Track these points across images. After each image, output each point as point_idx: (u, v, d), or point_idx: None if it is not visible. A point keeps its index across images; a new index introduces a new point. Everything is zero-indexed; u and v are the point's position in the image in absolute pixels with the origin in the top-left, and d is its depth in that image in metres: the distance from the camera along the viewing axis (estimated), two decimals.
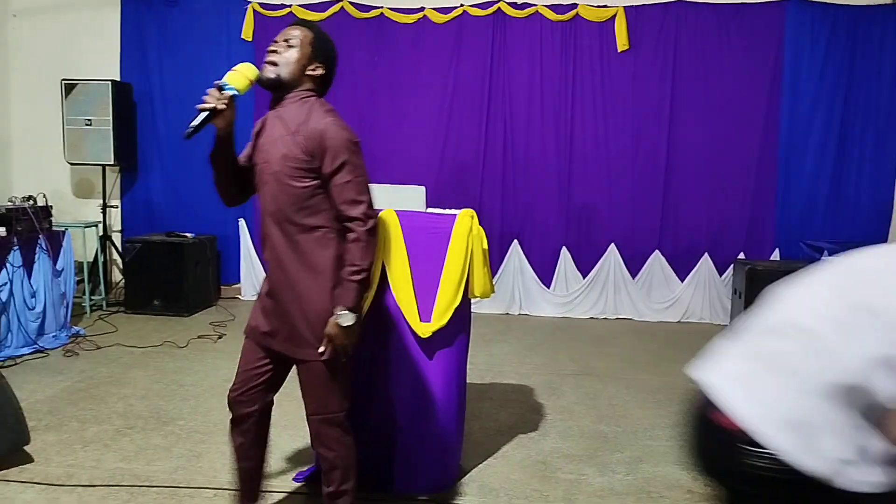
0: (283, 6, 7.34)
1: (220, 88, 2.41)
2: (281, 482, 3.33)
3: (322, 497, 2.68)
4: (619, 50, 6.99)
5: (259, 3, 7.36)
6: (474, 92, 7.21)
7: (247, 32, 7.40)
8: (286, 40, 2.46)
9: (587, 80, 7.10)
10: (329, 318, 2.41)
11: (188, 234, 7.14)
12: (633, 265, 7.19)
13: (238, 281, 7.66)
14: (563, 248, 7.21)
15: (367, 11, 7.20)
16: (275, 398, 2.82)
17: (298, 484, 3.32)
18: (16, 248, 5.22)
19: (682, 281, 7.14)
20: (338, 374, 2.54)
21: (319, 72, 2.49)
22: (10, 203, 5.45)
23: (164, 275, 6.82)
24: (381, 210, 2.86)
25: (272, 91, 2.48)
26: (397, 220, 3.09)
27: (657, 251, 7.14)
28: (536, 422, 4.22)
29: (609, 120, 7.11)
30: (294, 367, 2.64)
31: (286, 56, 2.44)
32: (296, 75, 2.45)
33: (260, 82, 2.46)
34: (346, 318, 2.39)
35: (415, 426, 3.20)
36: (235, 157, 2.61)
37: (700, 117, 7.00)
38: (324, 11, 7.26)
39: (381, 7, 7.18)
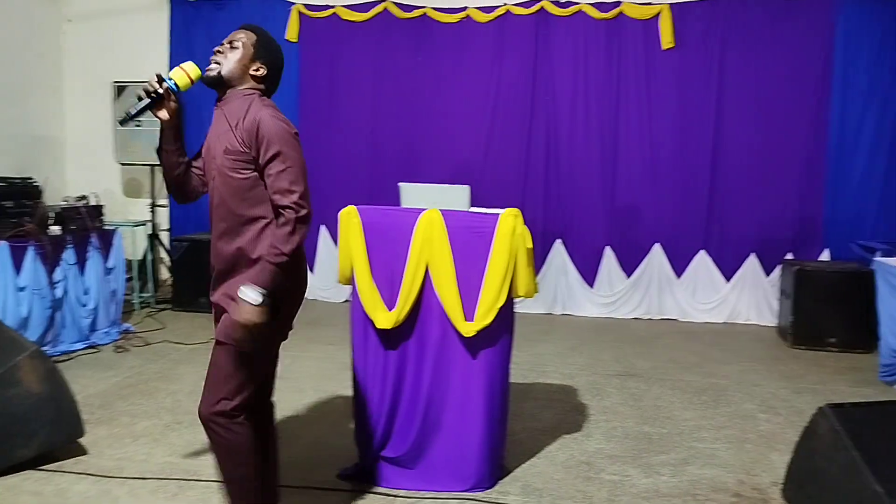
0: (326, 7, 7.40)
1: (161, 80, 2.49)
2: (325, 478, 3.36)
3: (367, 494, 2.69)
4: (664, 48, 6.90)
5: (303, 5, 7.44)
6: (517, 91, 7.19)
7: (291, 33, 7.49)
8: (230, 42, 2.57)
9: (631, 78, 7.04)
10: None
11: None
12: (678, 265, 7.10)
13: None
14: (607, 247, 7.15)
15: (410, 11, 7.23)
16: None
17: (342, 480, 3.34)
18: (70, 246, 5.36)
19: (728, 281, 7.03)
20: (241, 364, 2.52)
21: (261, 72, 2.57)
22: (64, 202, 5.60)
23: (209, 273, 6.90)
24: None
25: (215, 89, 2.57)
26: (441, 220, 3.10)
27: (703, 251, 7.04)
28: (580, 422, 4.20)
29: (653, 118, 7.04)
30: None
31: (229, 56, 2.54)
32: (237, 74, 2.54)
33: (204, 80, 2.55)
34: (249, 294, 2.33)
35: (458, 425, 3.21)
36: (183, 152, 2.67)
37: (747, 115, 6.88)
38: (367, 12, 7.31)
39: (425, 7, 7.20)
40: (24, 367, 3.30)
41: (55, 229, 5.30)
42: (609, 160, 7.12)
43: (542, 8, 7.04)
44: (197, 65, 2.56)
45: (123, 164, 7.51)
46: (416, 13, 7.22)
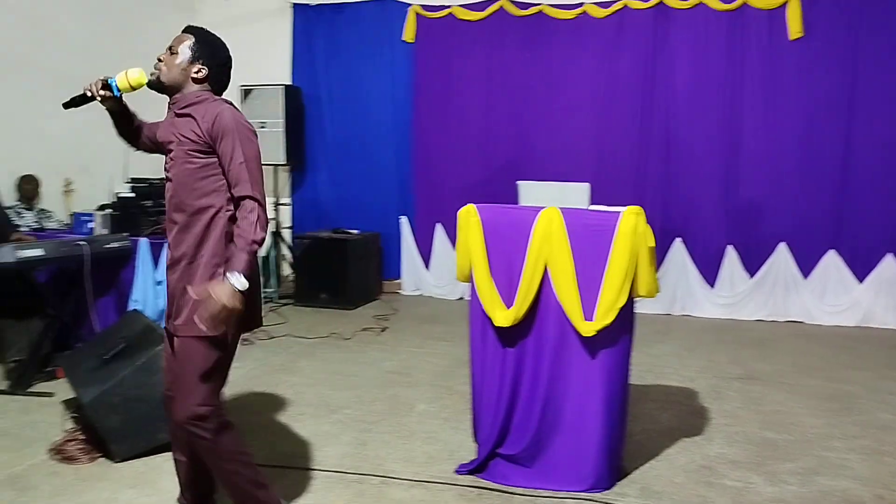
0: (443, 7, 7.49)
1: (106, 82, 2.64)
2: (442, 473, 3.41)
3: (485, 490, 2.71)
4: (791, 38, 6.61)
5: (420, 6, 7.55)
6: (635, 86, 7.06)
7: (408, 34, 7.62)
8: (170, 47, 2.63)
9: (755, 71, 6.77)
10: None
11: (353, 231, 7.45)
12: (805, 265, 6.78)
13: (399, 276, 7.90)
14: (729, 246, 6.92)
15: (526, 9, 7.22)
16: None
17: (460, 476, 3.38)
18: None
19: (861, 282, 6.67)
20: (209, 361, 2.54)
21: (202, 73, 2.61)
22: None
23: (330, 269, 7.16)
24: None
25: (160, 93, 2.66)
26: (561, 218, 3.09)
27: (832, 250, 6.70)
28: (700, 425, 4.09)
29: (778, 112, 6.74)
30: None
31: (168, 61, 2.61)
32: (178, 79, 2.60)
33: (149, 85, 2.64)
34: (240, 281, 2.38)
35: (577, 424, 3.19)
36: (132, 119, 2.86)
37: (882, 107, 6.48)
38: (483, 10, 7.34)
39: (541, 4, 7.17)
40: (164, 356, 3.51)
41: None
42: (731, 156, 6.88)
43: (661, 2, 6.88)
44: (144, 71, 2.67)
45: None
46: (531, 10, 7.20)
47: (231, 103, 2.64)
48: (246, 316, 2.58)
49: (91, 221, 5.45)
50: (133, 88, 2.65)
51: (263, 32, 8.16)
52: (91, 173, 6.99)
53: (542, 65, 7.25)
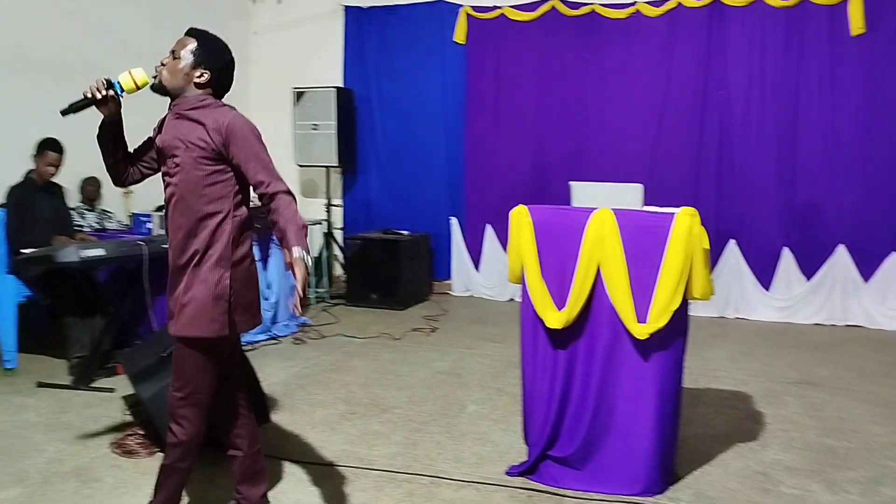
0: (494, 8, 7.48)
1: (109, 83, 2.58)
2: (493, 474, 3.40)
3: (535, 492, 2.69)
4: (853, 34, 6.43)
5: (471, 7, 7.56)
6: (688, 86, 6.96)
7: (459, 35, 7.63)
8: (173, 51, 2.63)
9: (814, 68, 6.61)
10: (209, 300, 2.53)
11: (403, 232, 7.50)
12: (866, 267, 6.59)
13: (449, 277, 7.92)
14: (785, 248, 6.77)
15: (578, 9, 7.17)
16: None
17: (511, 477, 3.38)
18: (255, 243, 5.72)
19: None
20: (213, 355, 2.61)
21: (205, 77, 2.61)
22: (251, 203, 5.98)
23: (380, 270, 7.21)
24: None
25: (162, 95, 2.65)
26: (614, 219, 3.06)
27: (895, 252, 6.51)
28: (755, 431, 4.01)
29: (838, 110, 6.57)
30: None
31: (170, 66, 2.61)
32: (180, 84, 2.61)
33: (151, 88, 2.63)
34: (300, 251, 2.44)
35: (629, 427, 3.16)
36: (121, 143, 2.78)
37: None
38: (534, 11, 7.32)
39: (593, 3, 7.12)
40: None
41: None
42: (788, 156, 6.73)
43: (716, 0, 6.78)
44: (146, 72, 2.65)
45: (301, 166, 7.94)
46: (583, 10, 7.15)
47: (233, 108, 2.66)
48: (247, 318, 2.68)
49: (149, 222, 5.58)
50: (138, 88, 2.63)
51: (316, 35, 8.27)
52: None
53: (595, 65, 7.19)
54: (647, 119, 7.07)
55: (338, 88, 7.64)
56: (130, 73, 2.60)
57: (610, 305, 3.12)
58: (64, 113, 2.62)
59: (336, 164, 7.70)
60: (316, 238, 7.73)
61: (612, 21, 7.09)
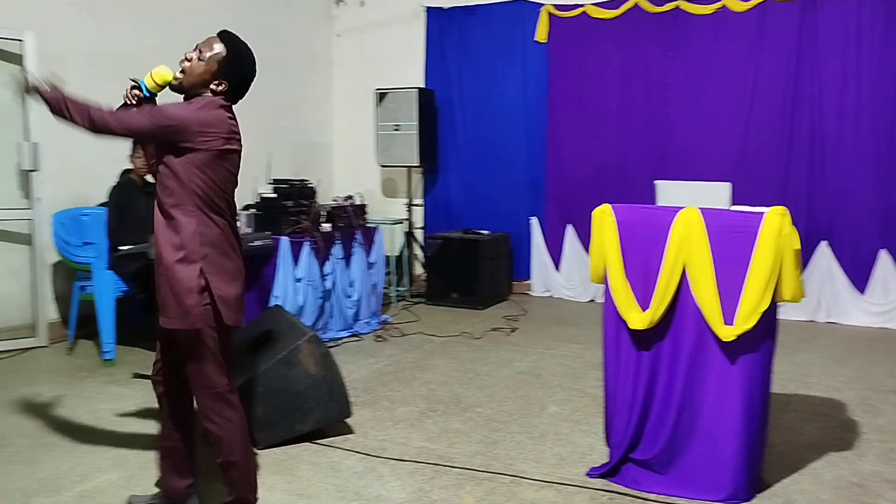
0: (576, 6, 7.41)
1: (137, 86, 2.65)
2: (573, 476, 3.37)
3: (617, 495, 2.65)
4: None
5: (553, 5, 7.51)
6: (777, 82, 6.72)
7: (541, 34, 7.59)
8: (200, 51, 2.62)
9: None
10: (186, 290, 2.56)
11: (484, 231, 7.50)
12: None
13: (529, 277, 7.88)
14: (882, 250, 6.46)
15: (662, 5, 7.03)
16: None
17: (592, 479, 3.34)
18: (338, 242, 5.85)
19: None
20: (204, 346, 2.62)
21: (222, 87, 2.64)
22: (333, 202, 6.11)
23: (461, 269, 7.23)
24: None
25: (178, 93, 2.68)
26: (700, 219, 2.99)
27: None
28: (850, 440, 3.85)
29: None
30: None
31: (193, 67, 2.62)
32: (198, 87, 2.63)
33: (170, 87, 2.66)
34: (45, 91, 2.47)
35: (714, 431, 3.08)
36: None
37: None
38: (617, 8, 7.21)
39: (677, 0, 6.97)
40: (304, 350, 3.66)
41: (326, 226, 5.81)
42: (884, 153, 6.41)
43: None
44: (169, 68, 2.68)
45: (383, 166, 8.04)
46: (668, 6, 7.00)
47: (226, 107, 2.68)
48: (228, 311, 2.68)
49: (237, 220, 5.74)
50: (160, 87, 2.67)
51: (397, 37, 8.36)
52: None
53: (680, 62, 7.03)
54: (735, 116, 6.86)
55: (419, 89, 7.70)
56: (152, 72, 2.67)
57: (695, 306, 3.05)
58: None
59: (417, 165, 7.76)
60: (397, 237, 7.82)
61: (697, 17, 6.92)
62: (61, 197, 5.65)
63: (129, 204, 5.18)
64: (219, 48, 2.64)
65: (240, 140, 2.74)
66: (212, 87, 2.64)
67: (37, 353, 5.42)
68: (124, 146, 5.19)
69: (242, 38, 2.74)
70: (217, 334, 2.67)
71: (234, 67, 2.66)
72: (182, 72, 2.65)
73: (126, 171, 5.50)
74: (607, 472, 3.33)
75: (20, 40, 5.35)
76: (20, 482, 3.28)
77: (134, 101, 2.65)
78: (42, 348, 5.51)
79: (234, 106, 2.75)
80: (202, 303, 2.61)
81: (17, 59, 5.33)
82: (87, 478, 3.31)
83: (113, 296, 5.15)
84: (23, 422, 4.03)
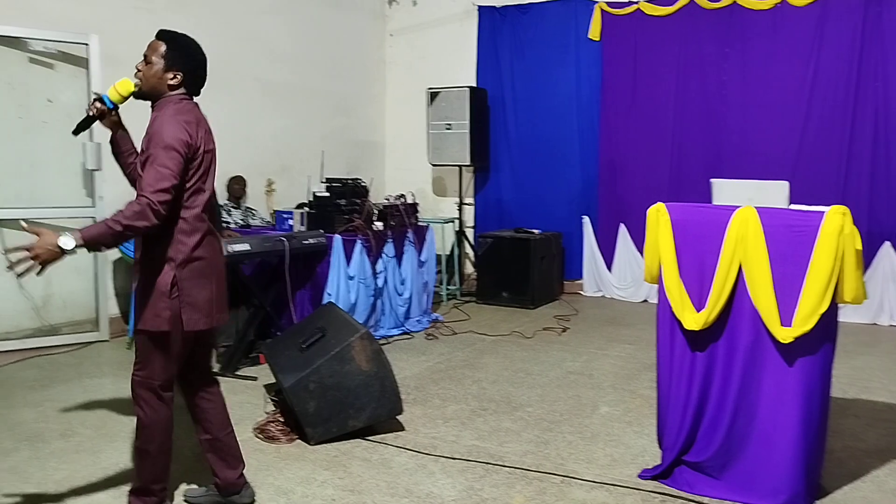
0: (630, 3, 7.34)
1: (100, 99, 2.76)
2: (625, 477, 3.34)
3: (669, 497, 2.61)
4: None
5: (606, 3, 7.44)
6: (838, 79, 6.56)
7: (594, 32, 7.53)
8: (146, 57, 2.73)
9: None
10: (158, 295, 2.66)
11: (535, 231, 7.47)
12: None
13: (580, 277, 7.83)
14: None
15: (718, 1, 6.91)
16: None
17: (644, 481, 3.30)
18: (390, 240, 5.89)
19: None
20: (164, 347, 2.73)
21: (177, 79, 2.73)
22: (385, 201, 6.15)
23: (512, 268, 7.22)
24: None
25: (145, 100, 2.77)
26: (757, 218, 2.93)
27: None
28: None
29: None
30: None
31: (145, 72, 2.73)
32: (156, 87, 2.73)
33: (134, 95, 2.76)
34: (69, 242, 2.46)
35: (770, 435, 3.02)
36: (130, 151, 2.95)
37: None
38: (672, 5, 7.12)
39: None
40: (356, 347, 3.70)
41: (378, 225, 5.85)
42: None
43: None
44: (130, 80, 2.76)
45: (434, 165, 8.07)
46: (724, 2, 6.89)
47: (194, 105, 2.78)
48: (198, 316, 2.77)
49: (290, 219, 5.83)
50: (124, 98, 2.78)
51: (450, 36, 8.38)
52: (290, 174, 7.49)
53: (737, 59, 6.90)
54: (793, 114, 6.71)
55: (471, 88, 7.70)
56: (115, 85, 2.77)
57: (752, 307, 2.99)
58: (75, 133, 2.83)
59: (468, 163, 7.77)
60: (448, 236, 7.83)
61: (755, 13, 6.79)
62: (122, 195, 5.79)
63: None
64: (159, 44, 2.75)
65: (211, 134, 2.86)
66: (169, 82, 2.73)
67: (99, 347, 5.58)
68: None
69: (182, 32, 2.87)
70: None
71: (179, 54, 2.76)
72: (137, 84, 2.77)
73: None
74: (660, 474, 3.29)
75: (86, 44, 5.51)
76: (84, 471, 3.38)
77: (95, 114, 2.79)
78: (104, 342, 5.67)
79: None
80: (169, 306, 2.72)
81: (82, 62, 5.49)
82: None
83: None
84: (86, 413, 4.16)
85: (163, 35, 2.78)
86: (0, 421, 4.01)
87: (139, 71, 2.76)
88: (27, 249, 2.45)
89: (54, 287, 5.54)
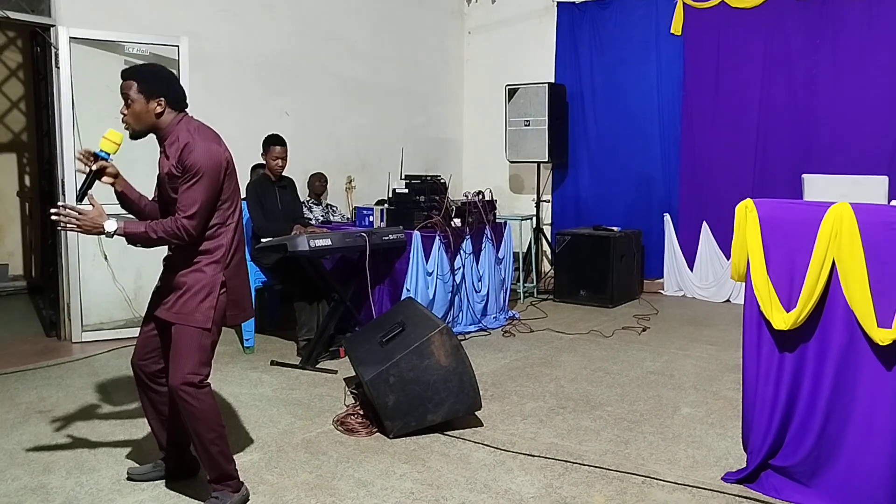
0: None
1: (94, 155, 2.82)
2: (708, 479, 3.26)
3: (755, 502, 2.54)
4: None
5: None
6: None
7: (676, 27, 7.39)
8: (126, 98, 2.82)
9: None
10: (189, 295, 2.83)
11: (614, 228, 7.36)
12: None
13: (661, 275, 7.68)
14: None
15: None
16: None
17: (728, 484, 3.22)
18: (468, 237, 5.89)
19: None
20: (207, 342, 2.87)
21: (161, 105, 2.83)
22: (463, 198, 6.16)
23: (590, 266, 7.13)
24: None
25: (142, 138, 2.90)
26: (852, 215, 2.82)
27: None
28: None
29: None
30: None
31: (131, 114, 2.83)
32: (147, 123, 2.85)
33: (130, 137, 2.88)
34: (112, 227, 2.73)
35: (865, 442, 2.89)
36: (140, 199, 3.05)
37: None
38: None
39: None
40: (435, 342, 3.72)
41: (456, 222, 5.86)
42: None
43: None
44: (116, 130, 2.88)
45: (512, 162, 8.04)
46: None
47: (200, 126, 2.89)
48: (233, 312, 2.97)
49: (371, 215, 5.90)
50: (117, 146, 2.86)
51: (528, 32, 8.36)
52: (370, 171, 7.59)
53: (828, 50, 6.66)
54: (889, 107, 6.42)
55: (549, 84, 7.65)
56: (106, 137, 2.86)
57: (846, 307, 2.88)
58: (80, 196, 2.88)
59: (546, 160, 7.71)
60: (525, 233, 7.80)
61: (848, 2, 6.53)
62: None
63: (266, 198, 5.41)
64: (131, 84, 2.84)
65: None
66: (155, 111, 2.85)
67: None
68: (256, 145, 5.45)
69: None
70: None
71: (151, 83, 2.85)
72: (126, 127, 2.88)
73: (256, 167, 5.82)
74: (745, 477, 3.20)
75: (177, 46, 5.69)
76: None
77: (97, 169, 2.86)
78: None
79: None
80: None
81: (173, 64, 5.68)
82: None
83: (253, 286, 5.38)
84: None
85: (127, 74, 2.88)
86: (102, 403, 4.20)
87: (125, 115, 2.86)
88: (78, 213, 2.71)
89: (144, 280, 5.74)
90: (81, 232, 2.77)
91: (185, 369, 2.83)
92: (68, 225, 2.70)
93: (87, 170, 2.89)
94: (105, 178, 2.93)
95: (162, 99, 2.85)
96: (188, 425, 2.88)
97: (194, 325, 2.84)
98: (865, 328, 2.82)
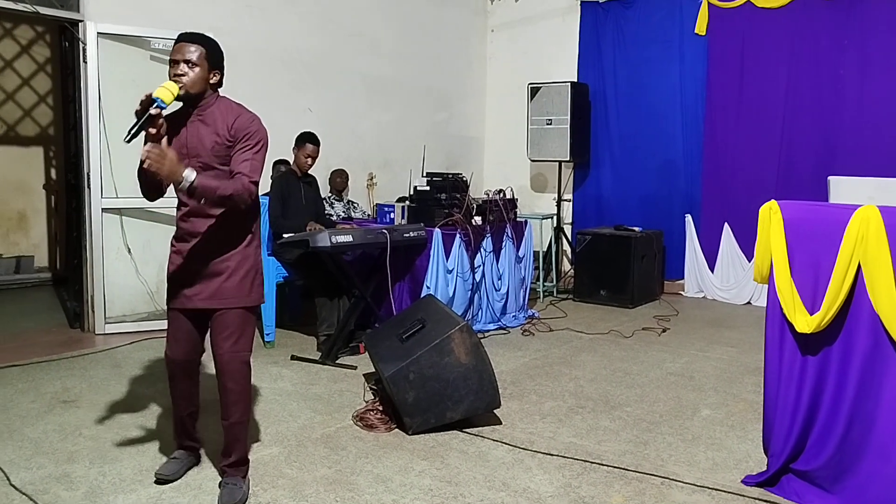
0: None
1: (152, 101, 2.74)
2: (728, 482, 3.25)
3: None
4: None
5: None
6: None
7: (700, 27, 7.34)
8: (187, 61, 2.85)
9: None
10: (241, 276, 2.92)
11: (635, 228, 7.33)
12: None
13: (681, 277, 7.64)
14: None
15: None
16: None
17: (748, 487, 3.20)
18: (488, 235, 5.89)
19: None
20: (255, 320, 3.04)
21: (217, 77, 2.94)
22: (485, 196, 6.16)
23: (610, 266, 7.11)
24: None
25: (184, 102, 2.92)
26: (879, 217, 2.79)
27: None
28: None
29: None
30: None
31: (191, 75, 2.86)
32: (200, 90, 2.90)
33: (177, 98, 2.85)
34: (190, 176, 2.68)
35: (890, 448, 2.86)
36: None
37: None
38: None
39: None
40: (455, 339, 3.72)
41: (477, 220, 5.87)
42: None
43: None
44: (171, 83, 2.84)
45: (534, 160, 8.03)
46: None
47: (238, 104, 2.97)
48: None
49: (391, 212, 5.91)
50: (174, 97, 2.82)
51: (551, 31, 8.34)
52: (391, 167, 7.61)
53: (855, 51, 6.57)
54: None
55: (572, 83, 7.62)
56: (164, 86, 2.80)
57: (871, 311, 2.85)
58: (128, 140, 2.73)
59: (568, 159, 7.69)
60: (545, 232, 7.79)
61: (877, 2, 6.45)
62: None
63: (290, 194, 5.44)
64: (198, 48, 2.88)
65: None
66: (211, 82, 2.93)
67: None
68: (279, 141, 5.48)
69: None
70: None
71: (217, 54, 2.95)
72: (181, 87, 2.86)
73: (278, 163, 5.84)
74: (765, 480, 3.18)
75: None
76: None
77: (153, 114, 2.73)
78: None
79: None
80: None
81: None
82: (250, 452, 3.52)
83: (274, 281, 5.43)
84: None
85: (197, 38, 2.92)
86: (124, 394, 4.25)
87: (183, 75, 2.86)
88: (163, 150, 2.67)
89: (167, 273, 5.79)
90: (162, 174, 2.66)
91: (244, 349, 2.98)
92: (155, 164, 2.63)
93: (143, 113, 2.81)
94: (151, 129, 2.86)
95: (219, 73, 2.96)
96: (237, 406, 2.99)
97: (251, 304, 2.96)
98: (891, 332, 2.79)
